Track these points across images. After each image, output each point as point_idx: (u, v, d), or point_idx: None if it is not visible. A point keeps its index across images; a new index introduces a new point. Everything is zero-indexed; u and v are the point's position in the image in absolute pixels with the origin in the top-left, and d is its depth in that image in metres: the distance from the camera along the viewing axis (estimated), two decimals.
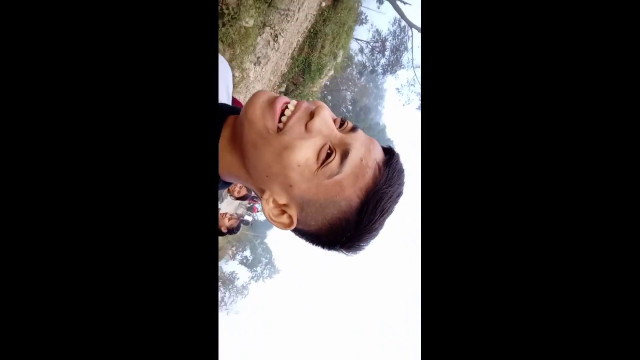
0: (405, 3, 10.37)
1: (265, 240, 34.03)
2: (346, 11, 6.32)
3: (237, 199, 2.55)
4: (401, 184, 0.40)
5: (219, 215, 2.23)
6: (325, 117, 0.38)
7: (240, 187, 2.45)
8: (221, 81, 0.53)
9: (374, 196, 0.39)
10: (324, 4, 5.56)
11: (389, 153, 0.42)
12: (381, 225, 0.40)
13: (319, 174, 0.38)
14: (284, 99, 0.39)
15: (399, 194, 0.40)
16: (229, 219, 2.30)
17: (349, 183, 0.38)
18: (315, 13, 5.44)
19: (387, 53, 12.39)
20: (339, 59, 7.27)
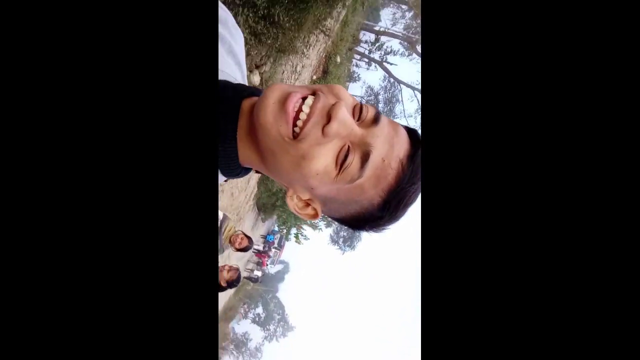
0: (391, 64, 11.55)
1: (277, 295, 32.88)
2: (336, 80, 7.14)
3: (238, 250, 2.39)
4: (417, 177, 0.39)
5: (218, 268, 2.15)
6: (344, 119, 0.35)
7: (242, 239, 2.34)
8: (230, 55, 0.50)
9: (396, 196, 0.37)
10: (314, 77, 6.37)
11: (414, 142, 0.39)
12: (405, 213, 0.40)
13: (339, 180, 0.36)
14: (296, 96, 0.35)
15: (420, 187, 0.39)
16: (228, 271, 2.17)
17: (370, 185, 0.37)
18: (309, 76, 6.19)
19: (380, 105, 13.41)
20: None
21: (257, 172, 0.46)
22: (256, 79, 3.39)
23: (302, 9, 2.98)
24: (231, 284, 2.21)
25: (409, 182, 0.37)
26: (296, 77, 4.84)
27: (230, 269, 2.17)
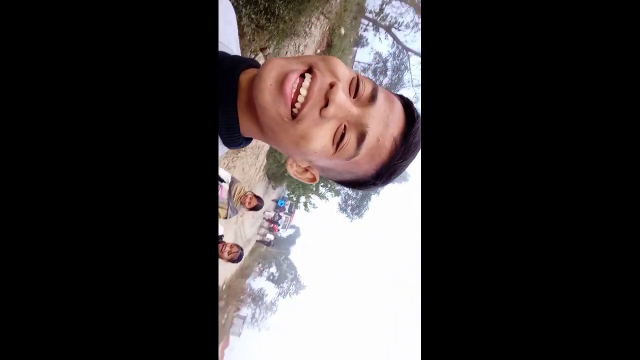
0: (399, 29, 11.28)
1: (289, 257, 34.88)
2: (340, 52, 7.27)
3: (250, 209, 2.39)
4: (416, 152, 0.40)
5: (220, 246, 2.16)
6: (341, 102, 0.35)
7: (250, 198, 2.33)
8: (225, 24, 0.50)
9: (388, 170, 0.39)
10: (319, 51, 6.52)
11: (408, 117, 0.39)
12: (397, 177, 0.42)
13: (335, 157, 0.38)
14: (294, 76, 0.35)
15: (413, 158, 0.40)
16: (229, 253, 2.17)
17: (364, 162, 0.39)
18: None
19: (389, 73, 13.24)
20: None
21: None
22: (260, 62, 3.62)
23: (301, 1, 3.19)
24: (233, 261, 2.23)
25: (401, 158, 0.39)
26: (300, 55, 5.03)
27: (232, 249, 2.17)
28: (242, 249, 2.25)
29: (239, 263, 2.26)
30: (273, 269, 32.07)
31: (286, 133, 0.37)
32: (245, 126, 0.42)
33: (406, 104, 0.41)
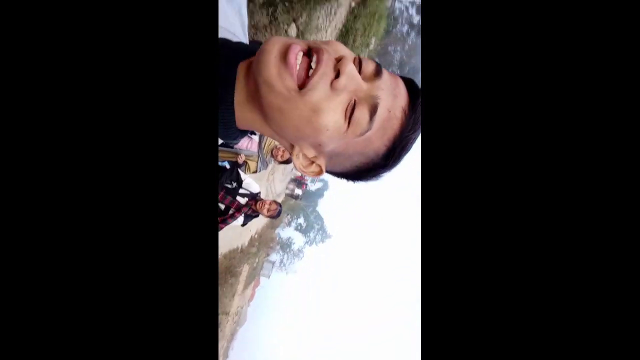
0: None
1: (317, 209, 36.19)
2: (377, 2, 6.63)
3: (281, 162, 2.37)
4: (420, 127, 0.39)
5: (259, 204, 2.18)
6: (352, 73, 0.35)
7: (283, 151, 2.28)
8: (233, 11, 0.48)
9: (400, 143, 0.39)
10: (353, 4, 5.99)
11: (412, 92, 0.39)
12: (402, 159, 0.41)
13: (348, 133, 0.37)
14: (297, 47, 0.34)
15: (419, 135, 0.40)
16: (268, 210, 2.18)
17: (377, 137, 0.38)
18: (345, 13, 5.92)
19: None
20: (372, 46, 7.59)
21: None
22: (292, 32, 3.52)
23: None
24: (272, 217, 2.27)
25: (412, 129, 0.38)
26: (331, 19, 4.72)
27: (270, 207, 2.19)
28: (280, 206, 2.26)
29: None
30: (301, 220, 33.68)
31: (296, 109, 0.35)
32: (246, 117, 0.40)
33: (408, 80, 0.42)
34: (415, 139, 0.40)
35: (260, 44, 0.39)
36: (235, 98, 0.39)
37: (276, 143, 2.30)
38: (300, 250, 34.10)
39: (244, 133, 0.44)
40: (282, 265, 32.84)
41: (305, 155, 0.41)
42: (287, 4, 3.15)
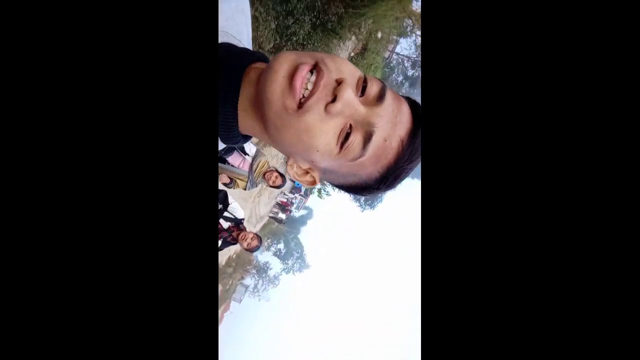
0: None
1: (298, 236, 35.94)
2: (374, 55, 7.38)
3: (272, 187, 2.38)
4: (420, 158, 0.39)
5: (241, 234, 2.20)
6: (349, 100, 0.34)
7: (276, 177, 2.32)
8: (238, 13, 0.49)
9: (394, 172, 0.39)
10: (352, 54, 6.67)
11: (415, 117, 0.39)
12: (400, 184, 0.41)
13: (340, 157, 0.37)
14: (305, 69, 0.35)
15: (417, 165, 0.39)
16: (248, 245, 2.19)
17: (370, 163, 0.38)
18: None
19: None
20: None
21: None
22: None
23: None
24: (250, 251, 2.26)
25: (408, 160, 0.38)
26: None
27: (252, 242, 2.19)
28: (260, 243, 2.28)
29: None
30: (281, 245, 33.26)
31: (290, 127, 0.36)
32: (247, 123, 0.40)
33: (413, 104, 0.41)
34: (412, 169, 0.40)
35: (262, 55, 0.41)
36: (239, 103, 0.39)
37: (269, 167, 2.38)
38: (276, 277, 33.30)
39: (246, 138, 0.45)
40: (255, 290, 31.85)
41: (299, 166, 0.42)
42: (294, 40, 3.30)
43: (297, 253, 35.10)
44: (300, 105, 0.35)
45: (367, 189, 0.41)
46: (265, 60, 0.42)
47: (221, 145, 0.44)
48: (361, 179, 0.40)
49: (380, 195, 0.47)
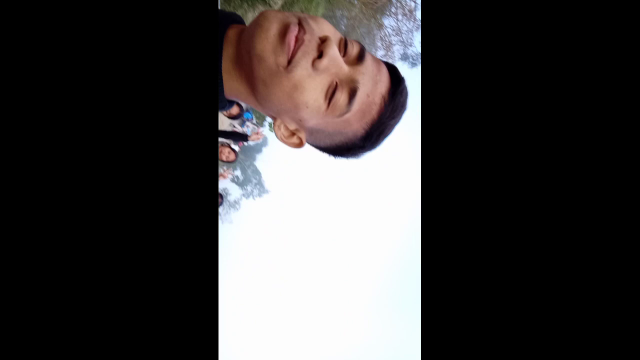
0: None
1: (255, 163, 37.16)
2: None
3: (230, 117, 2.43)
4: (403, 111, 0.41)
5: (220, 146, 2.17)
6: (334, 56, 0.36)
7: (229, 152, 2.39)
8: None
9: (377, 128, 0.41)
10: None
11: (394, 79, 0.41)
12: (383, 142, 0.43)
13: (328, 113, 0.38)
14: (295, 28, 0.35)
15: (401, 119, 0.41)
16: (228, 155, 2.25)
17: (355, 119, 0.40)
18: None
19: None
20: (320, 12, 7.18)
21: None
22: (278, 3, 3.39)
23: None
24: (234, 117, 2.37)
25: (390, 116, 0.40)
26: None
27: (229, 155, 2.30)
28: (237, 156, 2.46)
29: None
30: (238, 172, 34.46)
31: (280, 85, 0.37)
32: (231, 86, 0.41)
33: (390, 67, 0.43)
34: (393, 125, 0.42)
35: (238, 16, 0.43)
36: (222, 64, 0.39)
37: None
38: (237, 202, 35.29)
39: (231, 103, 0.45)
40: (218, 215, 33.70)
41: (286, 127, 0.43)
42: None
43: (255, 179, 36.79)
44: (289, 62, 0.36)
45: (352, 148, 0.43)
46: (240, 21, 0.43)
47: None
48: (347, 137, 0.42)
49: (362, 154, 0.46)
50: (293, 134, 0.43)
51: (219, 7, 0.47)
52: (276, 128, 0.43)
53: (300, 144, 0.44)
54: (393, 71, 0.43)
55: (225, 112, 2.67)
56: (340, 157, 0.46)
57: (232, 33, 0.40)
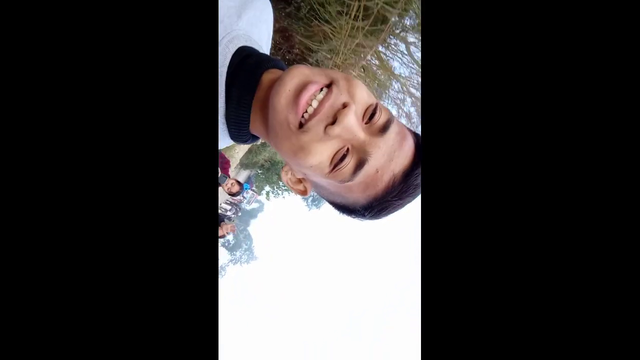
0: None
1: (248, 228, 36.64)
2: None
3: (230, 194, 2.50)
4: (415, 195, 0.39)
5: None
6: (348, 125, 0.35)
7: (232, 184, 2.43)
8: (261, 22, 0.50)
9: (379, 205, 0.39)
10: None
11: (417, 158, 0.39)
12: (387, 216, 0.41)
13: (330, 176, 0.37)
14: (313, 87, 0.35)
15: (411, 200, 0.40)
16: (231, 186, 2.30)
17: (358, 190, 0.38)
18: None
19: None
20: None
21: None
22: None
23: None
24: (233, 195, 2.40)
25: (397, 196, 0.38)
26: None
27: (232, 187, 2.35)
28: (241, 187, 2.52)
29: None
30: (230, 237, 33.73)
31: (288, 140, 0.37)
32: (256, 124, 0.42)
33: (419, 143, 0.40)
34: (401, 205, 0.40)
35: (281, 62, 0.44)
36: (252, 104, 0.41)
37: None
38: (222, 268, 33.69)
39: (254, 138, 0.46)
40: None
41: (294, 174, 0.43)
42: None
43: (246, 245, 35.81)
44: (301, 124, 0.36)
45: (353, 212, 0.42)
46: (282, 67, 0.44)
47: (230, 142, 0.47)
48: (347, 202, 0.41)
49: (364, 220, 0.44)
50: (300, 181, 0.44)
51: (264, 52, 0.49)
52: (284, 173, 0.43)
53: (304, 193, 0.44)
54: (419, 147, 0.40)
55: (225, 188, 2.51)
56: (344, 214, 0.45)
57: (266, 77, 0.42)
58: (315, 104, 0.36)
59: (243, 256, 35.90)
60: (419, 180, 0.38)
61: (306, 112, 0.36)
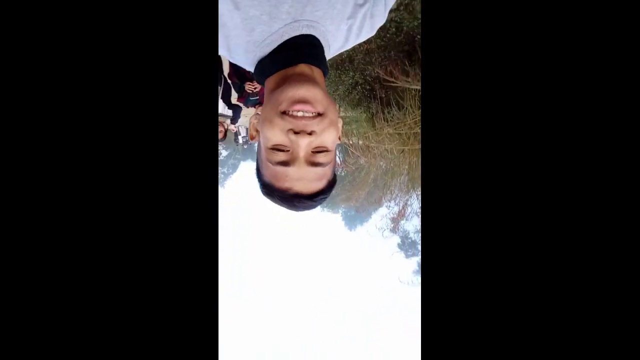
0: None
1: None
2: None
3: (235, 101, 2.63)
4: (291, 209, 0.51)
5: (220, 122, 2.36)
6: (301, 144, 0.46)
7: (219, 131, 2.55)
8: (353, 35, 0.58)
9: (268, 189, 0.51)
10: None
11: (314, 197, 0.50)
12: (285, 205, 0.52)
13: (267, 150, 0.49)
14: (310, 109, 0.47)
15: (286, 208, 0.51)
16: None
17: (270, 173, 0.50)
18: None
19: None
20: None
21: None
22: None
23: None
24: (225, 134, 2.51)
25: (280, 201, 0.50)
26: None
27: (220, 132, 2.43)
28: (225, 135, 2.67)
29: None
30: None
31: (271, 111, 0.48)
32: (270, 81, 0.53)
33: (324, 188, 0.51)
34: (280, 205, 0.52)
35: (326, 68, 0.55)
36: (283, 71, 0.52)
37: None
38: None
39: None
40: None
41: (258, 123, 0.54)
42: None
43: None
44: (284, 113, 0.47)
45: (258, 177, 0.54)
46: (325, 70, 0.55)
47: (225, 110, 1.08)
48: (261, 169, 0.53)
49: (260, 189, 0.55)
50: (257, 131, 0.55)
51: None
52: (254, 116, 0.55)
53: (252, 138, 0.56)
54: (331, 188, 0.52)
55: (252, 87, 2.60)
56: (256, 175, 0.56)
57: (303, 67, 0.52)
58: (301, 114, 0.47)
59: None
60: (300, 208, 0.52)
61: (293, 111, 0.47)
